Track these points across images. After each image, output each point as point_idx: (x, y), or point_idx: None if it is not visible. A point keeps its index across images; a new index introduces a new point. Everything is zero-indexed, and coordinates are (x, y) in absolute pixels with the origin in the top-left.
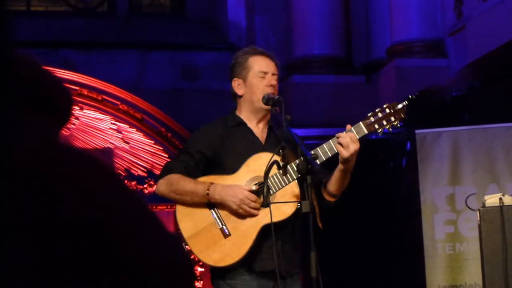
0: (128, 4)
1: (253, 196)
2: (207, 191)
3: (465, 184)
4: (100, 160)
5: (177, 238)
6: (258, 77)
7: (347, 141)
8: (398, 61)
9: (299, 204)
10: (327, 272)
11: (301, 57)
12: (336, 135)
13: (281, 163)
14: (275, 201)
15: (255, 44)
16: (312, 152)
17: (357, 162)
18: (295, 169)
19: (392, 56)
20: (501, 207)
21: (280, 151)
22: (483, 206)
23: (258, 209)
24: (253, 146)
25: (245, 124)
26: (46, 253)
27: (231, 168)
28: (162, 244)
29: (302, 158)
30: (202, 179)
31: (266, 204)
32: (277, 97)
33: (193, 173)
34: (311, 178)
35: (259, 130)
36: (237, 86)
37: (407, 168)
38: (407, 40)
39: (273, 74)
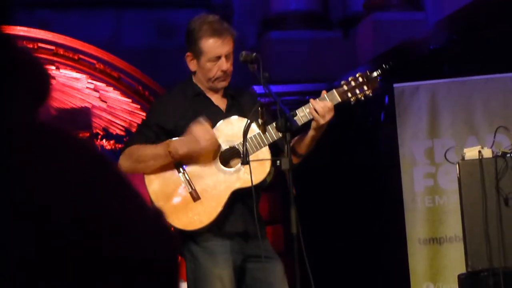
0: None
1: (212, 131)
2: (168, 149)
3: (443, 137)
4: (84, 142)
5: (162, 215)
6: (211, 61)
7: (324, 111)
8: (375, 15)
9: (278, 162)
10: (307, 230)
11: (278, 13)
12: (310, 101)
13: (260, 121)
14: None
15: (231, 2)
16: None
17: (335, 117)
18: (272, 129)
19: (368, 10)
20: (480, 160)
21: (259, 109)
22: (463, 159)
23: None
24: (214, 116)
25: (204, 95)
26: (25, 245)
27: None
28: (147, 225)
29: (280, 115)
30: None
31: (246, 161)
32: (254, 54)
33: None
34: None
35: (218, 99)
36: (190, 61)
37: (386, 122)
38: None
39: (226, 56)
